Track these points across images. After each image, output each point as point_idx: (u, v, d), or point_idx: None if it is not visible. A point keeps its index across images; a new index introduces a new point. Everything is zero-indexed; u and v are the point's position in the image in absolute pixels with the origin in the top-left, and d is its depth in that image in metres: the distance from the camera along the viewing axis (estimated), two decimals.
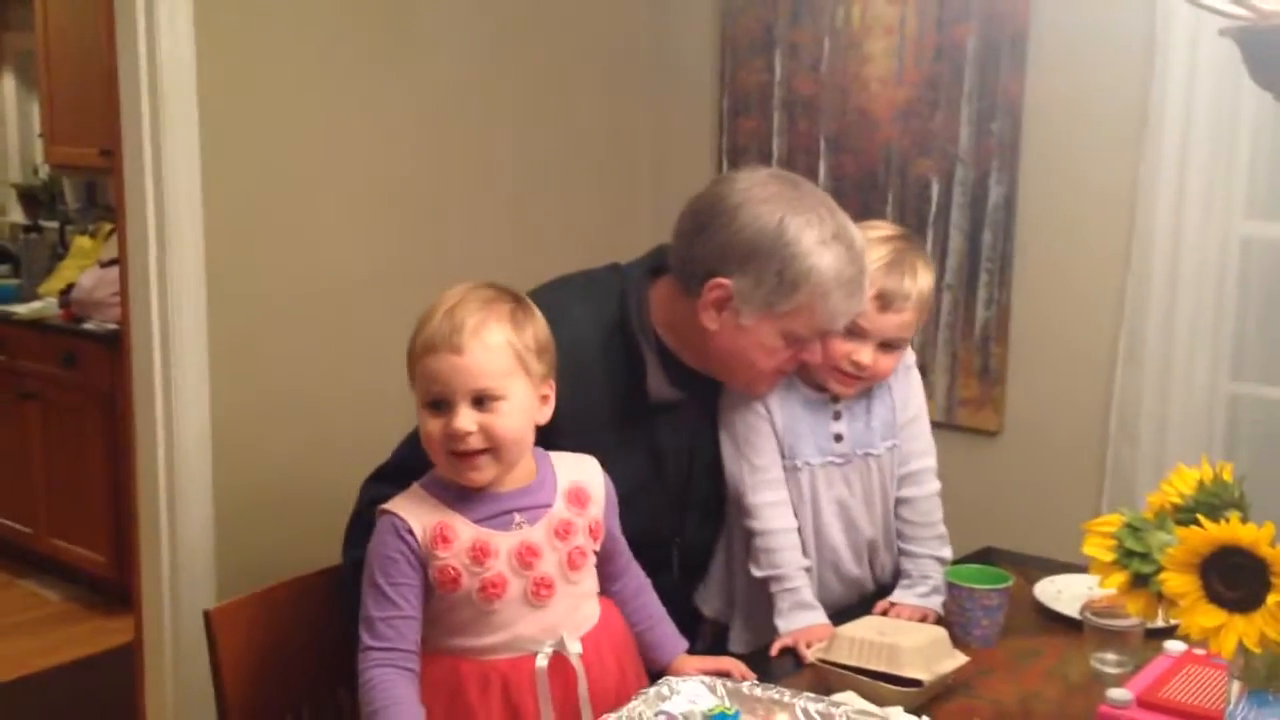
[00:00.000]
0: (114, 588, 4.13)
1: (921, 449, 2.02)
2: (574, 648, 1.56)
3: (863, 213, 3.21)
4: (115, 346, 4.00)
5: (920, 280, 1.88)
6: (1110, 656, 1.78)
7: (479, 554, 1.51)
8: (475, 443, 1.50)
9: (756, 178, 1.82)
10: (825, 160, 3.29)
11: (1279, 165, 2.69)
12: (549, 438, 1.64)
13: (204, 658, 2.54)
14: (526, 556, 1.54)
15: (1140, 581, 1.40)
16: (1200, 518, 1.32)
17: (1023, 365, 3.06)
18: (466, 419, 1.49)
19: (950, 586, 1.89)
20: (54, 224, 5.00)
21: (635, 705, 1.56)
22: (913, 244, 1.95)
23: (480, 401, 1.50)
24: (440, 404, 1.50)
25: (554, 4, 3.25)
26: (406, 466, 1.71)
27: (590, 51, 3.37)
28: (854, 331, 1.87)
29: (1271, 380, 2.78)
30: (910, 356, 2.04)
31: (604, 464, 1.67)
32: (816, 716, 1.53)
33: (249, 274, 2.62)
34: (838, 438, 1.96)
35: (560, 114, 3.30)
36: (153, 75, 2.50)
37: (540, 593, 1.55)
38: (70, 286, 4.35)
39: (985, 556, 2.19)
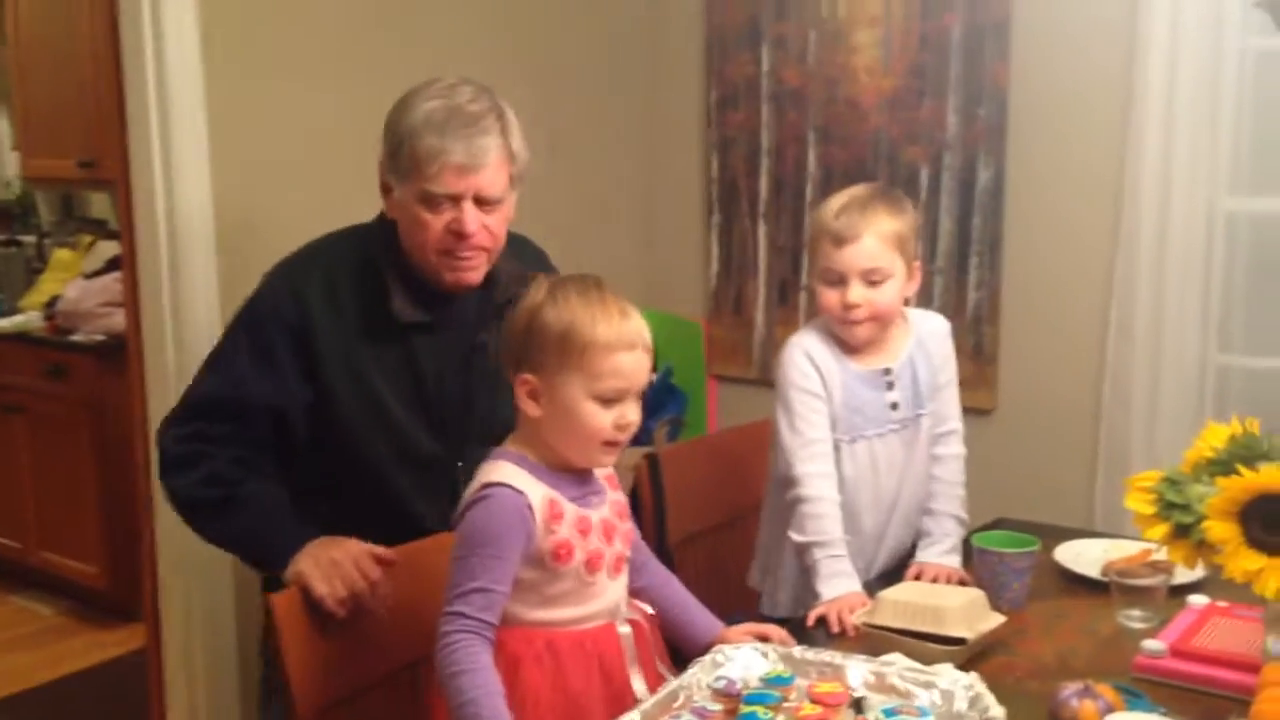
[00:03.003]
0: (107, 600, 4.12)
1: (954, 412, 2.16)
2: (648, 609, 1.68)
3: None
4: (105, 357, 4.02)
5: (870, 215, 2.00)
6: (1136, 613, 1.85)
7: (583, 529, 1.59)
8: (632, 433, 1.60)
9: None
10: (814, 150, 3.35)
11: (1260, 142, 2.80)
12: (312, 361, 1.90)
13: (225, 660, 2.62)
14: (609, 531, 1.63)
15: (1181, 531, 1.48)
16: (1240, 467, 1.39)
17: (1015, 344, 3.15)
18: (634, 412, 1.59)
19: (979, 552, 1.96)
20: (30, 238, 4.97)
21: (693, 673, 1.61)
22: (874, 189, 2.08)
23: (639, 395, 1.60)
24: (617, 398, 1.56)
25: (544, 6, 3.30)
26: (202, 406, 1.94)
27: (580, 48, 3.42)
28: (832, 279, 2.02)
29: (1257, 351, 2.88)
30: (946, 326, 2.16)
31: (365, 379, 1.91)
32: (870, 676, 1.59)
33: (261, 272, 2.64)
34: (894, 406, 2.05)
35: (552, 108, 3.34)
36: (160, 77, 2.50)
37: (619, 565, 1.65)
38: (55, 299, 4.33)
39: (998, 527, 2.25)
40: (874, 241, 2.00)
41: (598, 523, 1.61)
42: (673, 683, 1.57)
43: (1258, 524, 1.38)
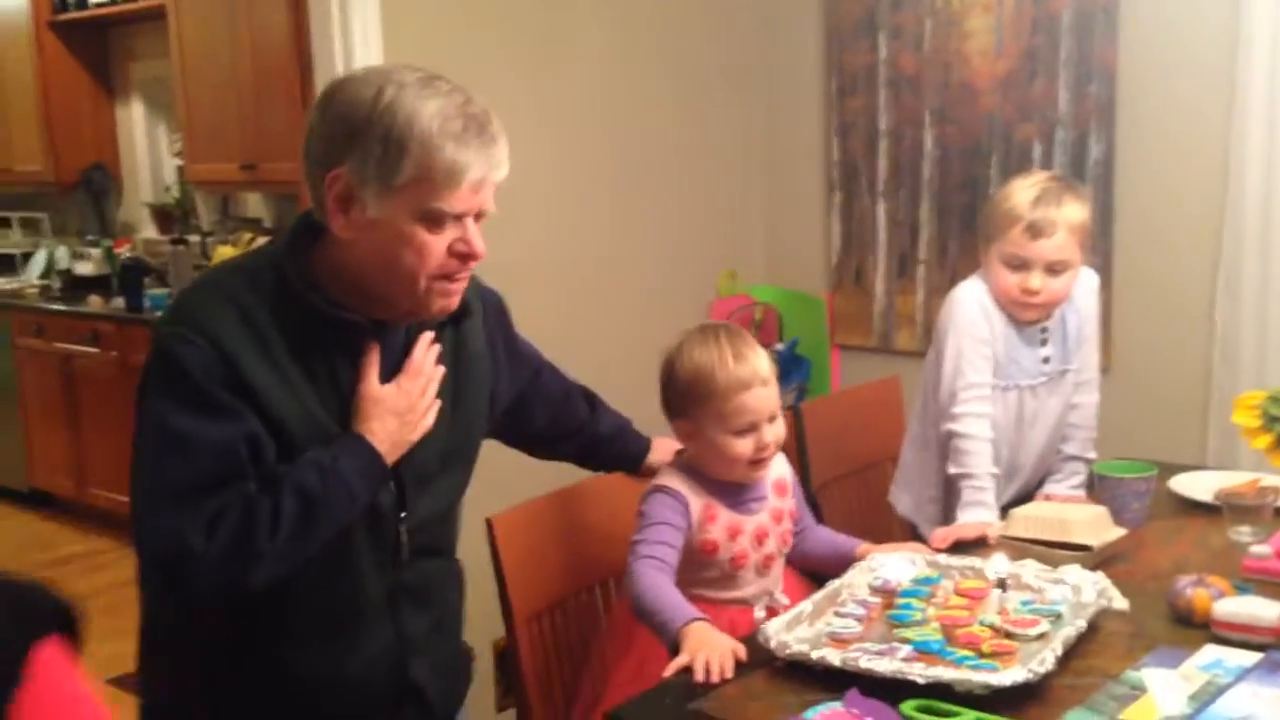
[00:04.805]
0: None
1: (1094, 362, 2.36)
2: (783, 600, 1.95)
3: (968, 178, 3.52)
4: None
5: (1066, 209, 2.15)
6: (1245, 529, 2.06)
7: (733, 532, 1.89)
8: (775, 451, 1.89)
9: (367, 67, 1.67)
10: (930, 131, 3.58)
11: None
12: (253, 400, 1.51)
13: None
14: (761, 537, 1.92)
15: None
16: None
17: (1128, 307, 3.34)
18: (771, 433, 1.86)
19: (1101, 478, 2.18)
20: (195, 237, 5.39)
21: (850, 575, 1.87)
22: (1061, 181, 2.23)
23: (773, 418, 1.88)
24: (750, 429, 1.84)
25: (674, 8, 3.59)
26: (181, 492, 1.48)
27: (708, 45, 3.69)
28: (1016, 264, 2.17)
29: None
30: (1095, 281, 2.34)
31: (309, 409, 1.55)
32: (1007, 576, 1.83)
33: None
34: (1046, 360, 2.27)
35: (683, 101, 3.62)
36: None
37: (768, 564, 1.94)
38: None
39: None
40: (1065, 235, 2.13)
41: (751, 529, 1.90)
42: (834, 583, 1.83)
43: None
